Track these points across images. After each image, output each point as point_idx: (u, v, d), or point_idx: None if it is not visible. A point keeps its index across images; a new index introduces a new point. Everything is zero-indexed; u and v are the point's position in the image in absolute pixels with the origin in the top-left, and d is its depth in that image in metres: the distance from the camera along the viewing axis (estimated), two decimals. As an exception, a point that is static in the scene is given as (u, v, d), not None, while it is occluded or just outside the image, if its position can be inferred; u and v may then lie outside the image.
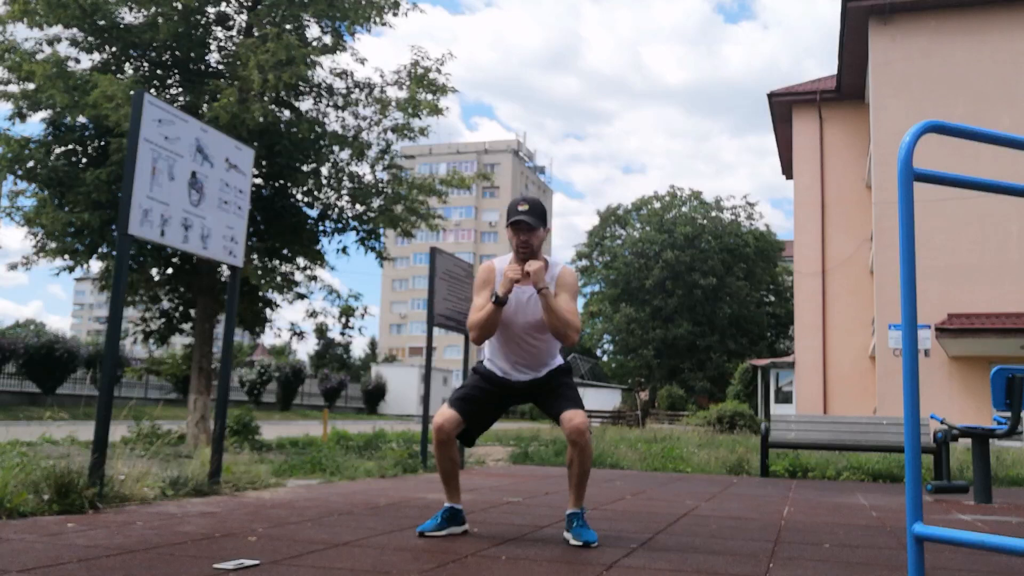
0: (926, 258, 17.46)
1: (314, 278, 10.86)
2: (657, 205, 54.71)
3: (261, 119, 8.93)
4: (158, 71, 9.94)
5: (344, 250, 10.97)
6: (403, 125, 10.33)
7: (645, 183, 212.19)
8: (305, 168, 10.10)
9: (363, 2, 9.96)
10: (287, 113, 10.26)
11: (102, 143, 9.59)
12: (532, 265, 3.61)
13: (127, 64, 9.84)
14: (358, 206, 10.67)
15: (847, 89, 23.79)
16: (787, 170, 28.78)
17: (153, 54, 9.81)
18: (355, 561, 3.02)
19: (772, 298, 55.40)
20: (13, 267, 10.00)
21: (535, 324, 3.72)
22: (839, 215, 24.40)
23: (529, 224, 3.67)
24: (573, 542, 3.53)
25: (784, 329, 53.28)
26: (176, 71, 9.99)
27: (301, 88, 10.21)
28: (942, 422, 6.80)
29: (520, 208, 3.71)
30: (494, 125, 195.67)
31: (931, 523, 3.61)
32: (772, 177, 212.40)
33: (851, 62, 22.21)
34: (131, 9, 9.54)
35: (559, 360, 3.88)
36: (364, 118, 10.44)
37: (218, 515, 4.12)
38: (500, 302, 3.63)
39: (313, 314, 11.55)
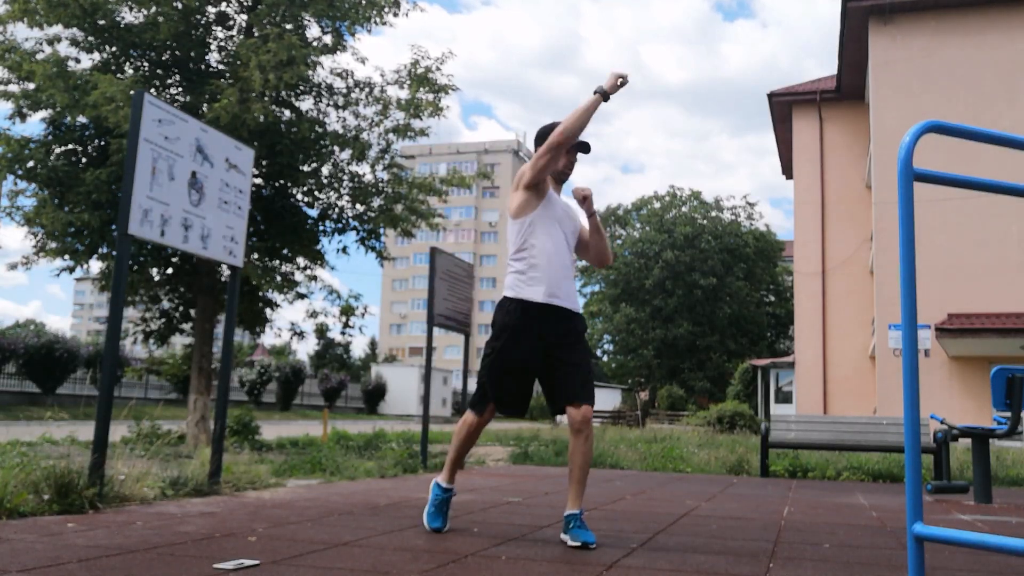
0: (926, 258, 17.46)
1: (314, 278, 10.86)
2: (657, 205, 54.69)
3: (261, 119, 8.93)
4: (158, 71, 9.94)
5: (344, 250, 10.97)
6: (404, 125, 10.33)
7: (644, 183, 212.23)
8: (305, 168, 10.10)
9: (363, 2, 9.96)
10: (287, 113, 10.26)
11: (102, 143, 9.59)
12: (589, 190, 3.84)
13: (127, 64, 9.84)
14: (358, 206, 10.68)
15: (847, 89, 23.79)
16: (787, 170, 28.78)
17: (153, 54, 9.81)
18: (355, 561, 3.02)
19: (772, 298, 55.37)
20: (13, 267, 10.01)
21: (574, 237, 3.88)
22: (839, 215, 24.40)
23: (587, 148, 3.82)
24: (571, 543, 3.51)
25: (784, 329, 53.26)
26: (176, 71, 9.99)
27: (301, 88, 10.21)
28: (942, 422, 6.80)
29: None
30: (493, 124, 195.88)
31: (931, 523, 3.61)
32: (772, 177, 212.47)
33: (851, 62, 22.21)
34: (131, 9, 9.54)
35: (580, 303, 3.93)
36: (365, 118, 10.44)
37: (218, 515, 4.12)
38: (606, 96, 3.66)
39: (313, 314, 11.56)
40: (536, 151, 3.81)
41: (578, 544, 3.48)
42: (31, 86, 9.21)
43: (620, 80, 3.62)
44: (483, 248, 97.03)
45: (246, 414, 9.90)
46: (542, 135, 3.83)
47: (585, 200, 3.84)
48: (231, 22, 10.24)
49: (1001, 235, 18.55)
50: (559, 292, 3.70)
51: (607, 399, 43.73)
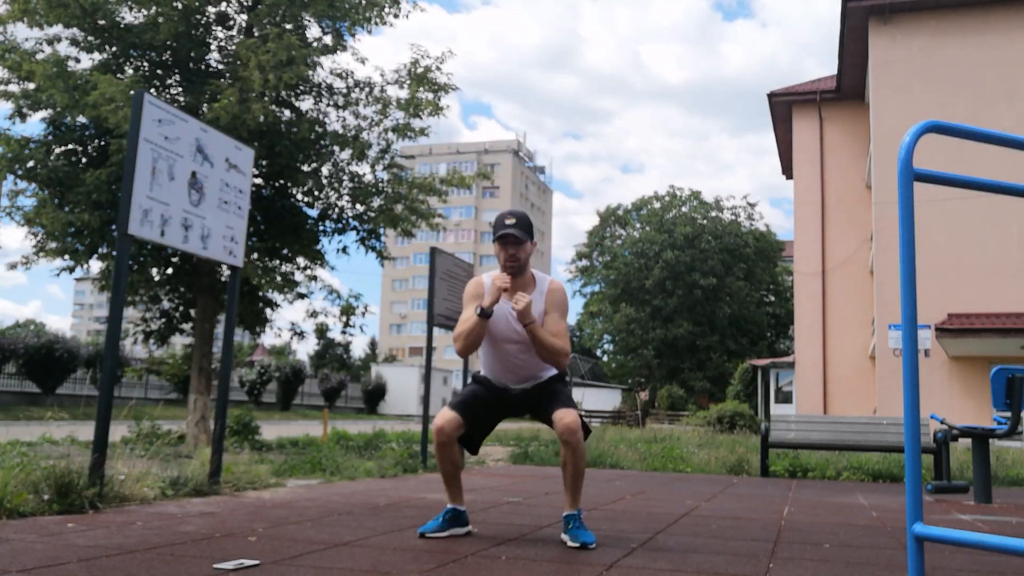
0: (926, 258, 17.45)
1: (314, 278, 10.87)
2: (657, 205, 54.67)
3: (261, 119, 8.93)
4: (158, 71, 9.94)
5: (344, 250, 10.97)
6: (404, 125, 10.33)
7: (644, 183, 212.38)
8: (305, 168, 10.10)
9: (363, 2, 9.96)
10: (287, 113, 10.26)
11: (102, 143, 9.59)
12: (521, 301, 3.55)
13: (127, 64, 9.84)
14: (358, 206, 10.68)
15: (847, 89, 23.79)
16: (787, 170, 28.77)
17: (153, 54, 9.81)
18: (355, 561, 3.02)
19: (772, 298, 55.36)
20: (13, 267, 10.01)
21: (522, 339, 3.69)
22: (839, 215, 24.39)
23: (517, 237, 3.67)
24: (570, 544, 3.51)
25: (784, 329, 53.25)
26: (176, 71, 9.99)
27: (301, 88, 10.21)
28: (942, 422, 6.80)
29: (507, 222, 3.70)
30: (493, 124, 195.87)
31: (931, 523, 3.61)
32: (772, 177, 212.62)
33: (851, 62, 22.20)
34: (131, 9, 9.54)
35: (552, 370, 3.83)
36: (365, 118, 10.44)
37: (218, 515, 4.12)
38: (485, 314, 3.62)
39: (313, 314, 11.56)
40: (493, 239, 3.76)
41: (577, 545, 3.48)
42: (31, 86, 9.22)
43: (500, 290, 3.63)
44: (483, 248, 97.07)
45: (246, 414, 9.90)
46: (495, 224, 3.79)
47: (519, 313, 3.57)
48: (231, 22, 10.24)
49: (1001, 235, 18.55)
50: (518, 383, 3.81)
51: (607, 399, 43.73)
